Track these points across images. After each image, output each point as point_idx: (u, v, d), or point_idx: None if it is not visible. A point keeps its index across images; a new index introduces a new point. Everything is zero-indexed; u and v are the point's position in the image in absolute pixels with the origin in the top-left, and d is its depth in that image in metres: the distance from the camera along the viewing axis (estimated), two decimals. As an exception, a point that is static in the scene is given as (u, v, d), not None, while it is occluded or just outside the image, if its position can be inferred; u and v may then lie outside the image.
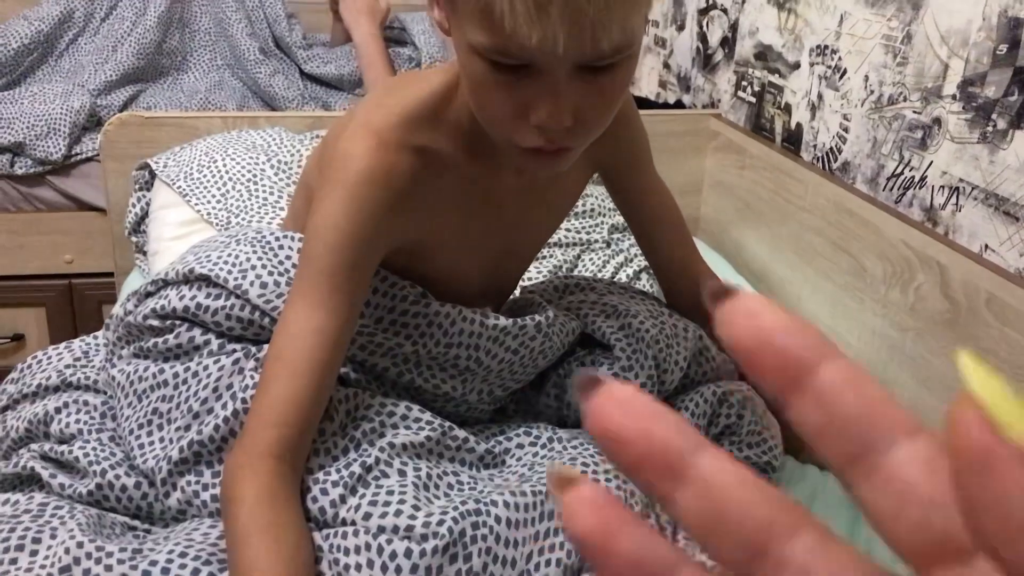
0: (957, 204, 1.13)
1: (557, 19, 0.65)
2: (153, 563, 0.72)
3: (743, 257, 1.61)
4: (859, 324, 1.26)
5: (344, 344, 0.78)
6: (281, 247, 0.91)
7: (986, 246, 1.08)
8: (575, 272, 1.41)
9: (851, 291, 1.28)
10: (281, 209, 1.31)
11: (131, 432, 0.87)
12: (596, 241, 1.47)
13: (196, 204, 1.36)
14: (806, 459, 1.07)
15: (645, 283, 1.41)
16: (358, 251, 0.77)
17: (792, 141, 1.50)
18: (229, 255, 0.90)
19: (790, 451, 1.07)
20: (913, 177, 1.21)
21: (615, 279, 1.39)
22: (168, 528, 0.82)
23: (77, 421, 0.90)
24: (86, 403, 0.91)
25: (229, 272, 0.88)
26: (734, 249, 1.63)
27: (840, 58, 1.36)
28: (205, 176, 1.39)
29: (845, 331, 1.30)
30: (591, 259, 1.44)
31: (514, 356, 0.91)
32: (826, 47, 1.39)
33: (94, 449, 0.86)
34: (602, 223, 1.50)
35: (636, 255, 1.45)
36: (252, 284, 0.87)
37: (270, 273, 0.88)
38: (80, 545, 0.73)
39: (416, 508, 0.75)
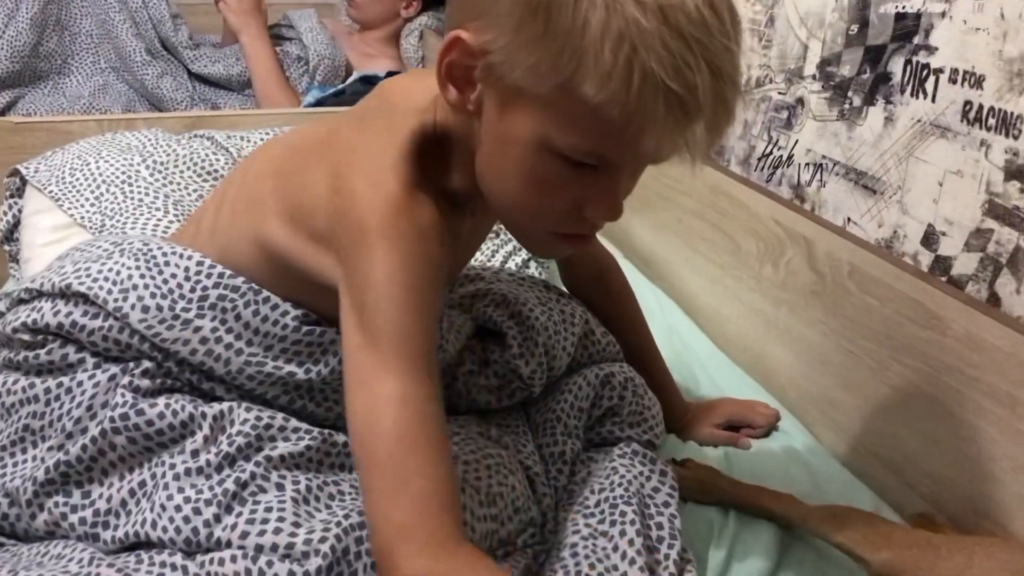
0: (821, 180, 1.17)
1: (699, 139, 0.64)
2: None
3: (631, 243, 1.63)
4: (737, 301, 1.30)
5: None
6: (167, 263, 0.84)
7: (849, 219, 1.12)
8: (464, 263, 1.42)
9: (729, 270, 1.31)
10: (157, 210, 1.28)
11: (2, 448, 0.83)
12: (485, 232, 1.47)
13: (69, 208, 1.32)
14: (686, 437, 1.09)
15: (534, 270, 1.42)
16: (433, 304, 0.71)
17: (672, 126, 1.53)
18: (110, 269, 0.84)
19: (672, 430, 1.10)
20: (781, 156, 1.25)
21: (505, 267, 1.40)
22: (37, 545, 0.79)
23: None
24: None
25: (109, 292, 0.82)
26: (623, 236, 1.66)
27: (711, 43, 1.39)
28: (77, 179, 1.35)
29: (725, 308, 1.33)
30: (480, 249, 1.44)
31: None
32: (698, 33, 1.42)
33: None
34: (490, 214, 1.50)
35: (524, 244, 1.46)
36: (133, 307, 0.81)
37: (152, 295, 0.82)
38: None
39: (296, 525, 0.73)
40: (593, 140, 0.65)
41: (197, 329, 0.82)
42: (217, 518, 0.74)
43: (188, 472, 0.77)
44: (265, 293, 0.83)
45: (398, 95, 0.82)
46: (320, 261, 0.74)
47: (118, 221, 1.27)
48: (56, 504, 0.79)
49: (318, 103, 1.95)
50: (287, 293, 0.83)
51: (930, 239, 0.99)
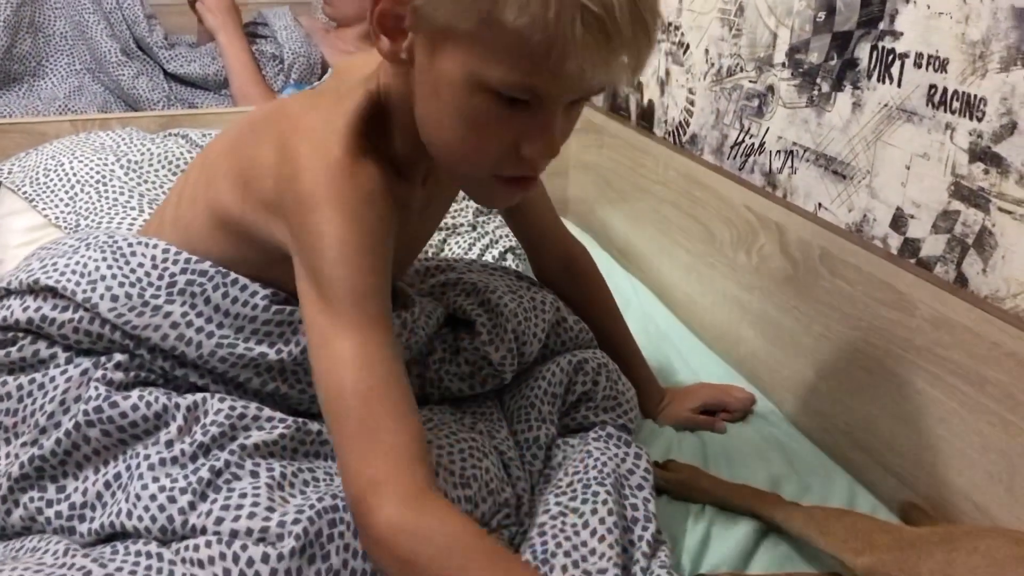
0: (792, 167, 1.18)
1: (622, 63, 0.66)
2: None
3: (608, 235, 1.64)
4: (712, 288, 1.31)
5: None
6: (134, 253, 0.85)
7: (820, 205, 1.13)
8: (442, 255, 1.42)
9: (703, 258, 1.33)
10: (132, 209, 1.28)
11: None
12: (462, 225, 1.48)
13: (43, 209, 1.32)
14: (662, 422, 1.10)
15: (511, 263, 1.43)
16: (384, 263, 0.73)
17: (646, 118, 1.54)
18: (77, 263, 0.85)
19: (648, 415, 1.11)
20: (753, 144, 1.26)
21: (481, 260, 1.40)
22: (12, 542, 0.79)
23: None
24: None
25: (77, 284, 0.83)
26: (600, 227, 1.67)
27: (683, 34, 1.40)
28: (52, 180, 1.34)
29: (700, 296, 1.34)
30: (457, 242, 1.45)
31: None
32: (670, 24, 1.43)
33: None
34: (467, 207, 1.51)
35: (501, 236, 1.47)
36: (102, 297, 0.82)
37: (120, 284, 0.83)
38: None
39: (271, 509, 0.73)
40: (520, 71, 0.66)
41: (167, 315, 0.83)
42: (192, 505, 0.74)
43: (163, 462, 0.77)
44: (233, 275, 0.84)
45: (347, 71, 0.84)
46: (271, 228, 0.76)
47: (93, 221, 1.27)
48: (31, 499, 0.79)
49: (294, 101, 1.95)
50: (250, 271, 0.84)
51: (899, 222, 1.01)
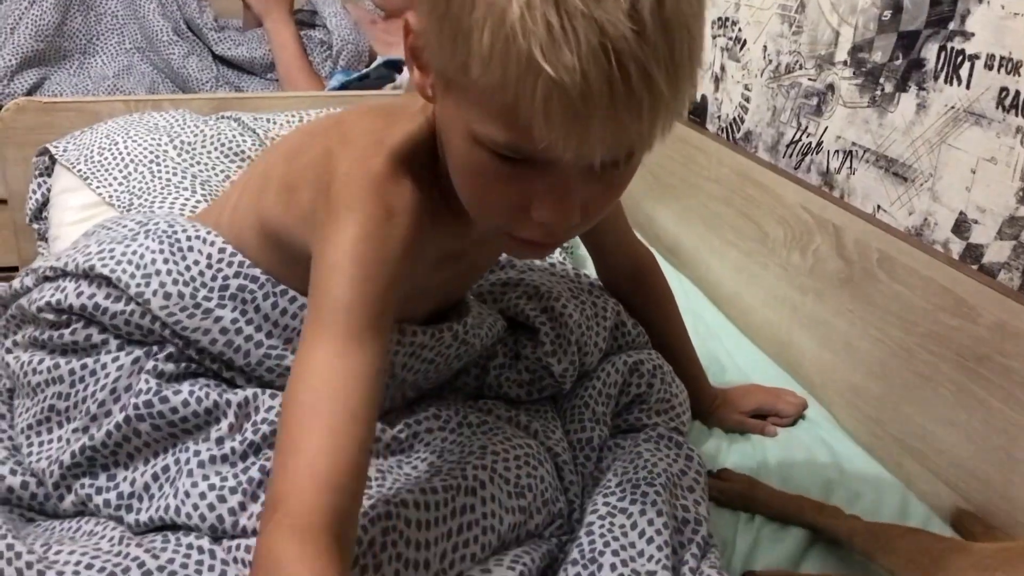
0: (851, 167, 1.16)
1: (597, 136, 0.56)
2: (60, 574, 0.69)
3: (655, 230, 1.63)
4: (763, 288, 1.29)
5: (382, 387, 0.68)
6: (191, 248, 0.84)
7: (879, 207, 1.11)
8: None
9: (755, 257, 1.31)
10: (185, 190, 1.28)
11: (29, 427, 0.84)
12: (509, 216, 1.47)
13: (97, 187, 1.33)
14: (713, 424, 1.09)
15: (557, 256, 1.41)
16: (384, 282, 0.67)
17: (698, 113, 1.53)
18: (134, 252, 0.84)
19: (697, 417, 1.09)
20: (810, 143, 1.24)
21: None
22: (70, 522, 0.80)
23: None
24: None
25: (132, 276, 0.82)
26: (647, 223, 1.65)
27: (740, 29, 1.39)
28: (106, 159, 1.35)
29: (751, 296, 1.32)
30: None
31: (430, 366, 0.89)
32: (727, 19, 1.42)
33: None
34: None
35: (549, 229, 1.45)
36: (155, 293, 0.81)
37: (175, 282, 0.82)
38: None
39: None
40: (503, 130, 0.58)
41: (218, 319, 0.82)
42: (242, 506, 0.74)
43: (212, 460, 0.77)
44: (282, 286, 0.83)
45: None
46: (307, 242, 0.72)
47: (146, 200, 1.28)
48: (83, 485, 0.79)
49: (343, 87, 1.95)
50: (299, 285, 0.81)
51: (961, 227, 0.99)
